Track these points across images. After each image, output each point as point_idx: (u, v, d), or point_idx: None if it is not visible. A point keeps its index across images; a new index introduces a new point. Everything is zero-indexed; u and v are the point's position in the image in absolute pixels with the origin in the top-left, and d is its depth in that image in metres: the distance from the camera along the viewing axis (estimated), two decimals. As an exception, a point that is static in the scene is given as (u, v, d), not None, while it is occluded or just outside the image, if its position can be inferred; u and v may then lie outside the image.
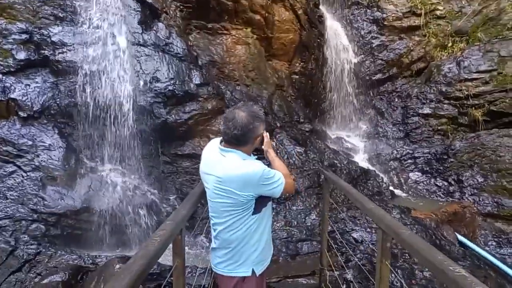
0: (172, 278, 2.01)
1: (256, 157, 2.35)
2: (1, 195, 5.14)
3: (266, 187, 2.08)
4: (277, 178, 2.14)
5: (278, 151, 6.61)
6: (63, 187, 5.41)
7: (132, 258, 1.33)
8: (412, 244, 1.55)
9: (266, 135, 2.47)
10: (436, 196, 6.98)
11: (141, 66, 6.12)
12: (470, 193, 6.65)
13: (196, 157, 6.38)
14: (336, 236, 5.61)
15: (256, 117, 2.14)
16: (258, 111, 2.19)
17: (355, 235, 5.57)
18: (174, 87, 6.13)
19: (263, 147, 2.46)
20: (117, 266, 3.16)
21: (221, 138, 2.19)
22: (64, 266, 4.22)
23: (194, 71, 6.41)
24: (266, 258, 2.30)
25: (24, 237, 4.86)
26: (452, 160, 7.23)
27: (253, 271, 2.17)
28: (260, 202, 2.12)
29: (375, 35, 9.29)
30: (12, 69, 5.74)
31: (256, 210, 2.10)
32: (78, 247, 5.18)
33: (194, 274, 4.80)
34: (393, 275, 4.53)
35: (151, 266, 1.38)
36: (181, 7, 6.93)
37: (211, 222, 2.20)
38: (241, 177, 2.00)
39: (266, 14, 7.60)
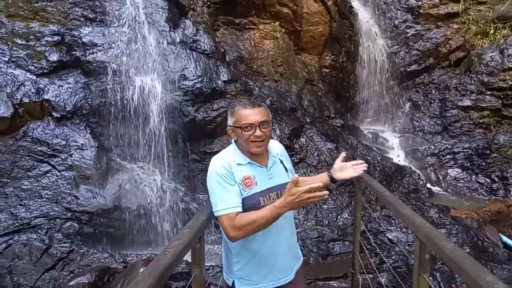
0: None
1: (248, 161, 1.97)
2: (37, 194, 5.28)
3: (210, 194, 1.87)
4: (218, 201, 1.83)
5: (308, 148, 6.43)
6: (95, 186, 5.49)
7: (142, 273, 1.24)
8: (456, 259, 1.37)
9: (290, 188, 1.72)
10: (478, 194, 6.58)
11: (169, 64, 6.11)
12: (515, 191, 6.22)
13: (225, 155, 6.31)
14: (370, 236, 5.39)
15: (228, 107, 2.02)
16: (235, 103, 1.98)
17: (389, 235, 5.34)
18: (202, 85, 6.08)
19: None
20: (141, 269, 3.13)
21: None
22: (94, 266, 4.27)
23: (222, 67, 6.33)
24: (256, 281, 1.98)
25: (58, 235, 4.97)
26: (495, 155, 6.78)
27: (233, 284, 1.98)
28: None
29: (410, 24, 8.87)
30: (45, 71, 5.88)
31: None
32: (110, 245, 5.25)
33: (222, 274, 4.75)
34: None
35: (162, 280, 1.29)
36: (208, 3, 6.88)
37: None
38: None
39: (295, 7, 7.40)
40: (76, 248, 4.91)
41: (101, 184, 5.53)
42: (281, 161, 2.09)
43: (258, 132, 1.87)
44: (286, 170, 2.09)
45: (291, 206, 1.68)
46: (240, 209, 1.82)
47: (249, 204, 1.86)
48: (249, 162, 1.94)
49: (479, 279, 1.20)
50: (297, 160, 6.29)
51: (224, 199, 1.81)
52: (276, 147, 2.16)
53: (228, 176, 1.85)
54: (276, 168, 2.04)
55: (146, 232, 5.58)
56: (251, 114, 1.88)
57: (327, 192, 1.64)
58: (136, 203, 5.57)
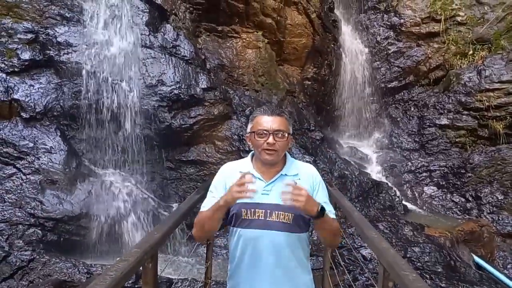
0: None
1: (249, 171, 1.90)
2: (-1, 198, 5.03)
3: None
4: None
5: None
6: (62, 191, 5.26)
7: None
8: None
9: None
10: (452, 213, 6.61)
11: (147, 68, 5.97)
12: (488, 211, 6.27)
13: (201, 164, 6.19)
14: (344, 252, 5.31)
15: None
16: (256, 109, 1.98)
17: (364, 252, 5.28)
18: (179, 91, 5.96)
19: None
20: (97, 285, 2.95)
21: None
22: (54, 277, 4.05)
23: (201, 74, 6.23)
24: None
25: (19, 243, 4.71)
26: (470, 175, 6.85)
27: None
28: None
29: (392, 41, 8.97)
30: (16, 69, 5.65)
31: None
32: (74, 254, 5.01)
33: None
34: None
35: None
36: (190, 9, 6.79)
37: None
38: None
39: (278, 18, 7.38)
40: (38, 256, 4.65)
41: (68, 190, 5.30)
42: (295, 183, 1.82)
43: (270, 139, 1.81)
44: None
45: (223, 202, 1.70)
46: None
47: (232, 212, 1.85)
48: (249, 172, 1.86)
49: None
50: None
51: (206, 201, 1.91)
52: (304, 169, 1.97)
53: (219, 184, 1.92)
54: (278, 186, 1.85)
55: (114, 241, 5.36)
56: (268, 121, 1.85)
57: (249, 177, 1.67)
58: (105, 211, 5.37)
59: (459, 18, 8.63)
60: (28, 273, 4.48)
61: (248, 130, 1.93)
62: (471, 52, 8.27)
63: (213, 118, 6.20)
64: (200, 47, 6.86)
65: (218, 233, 5.72)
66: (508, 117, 7.10)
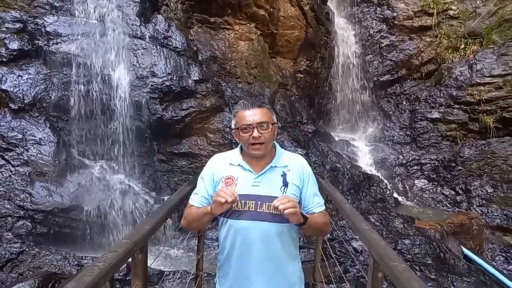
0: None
1: (239, 163, 1.92)
2: (-13, 190, 4.96)
3: None
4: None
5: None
6: (52, 183, 5.21)
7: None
8: (405, 283, 1.29)
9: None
10: (442, 206, 6.68)
11: (138, 59, 5.90)
12: (478, 204, 6.34)
13: (193, 156, 6.16)
14: (335, 244, 5.34)
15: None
16: (238, 104, 1.94)
17: (355, 244, 5.32)
18: (171, 83, 5.90)
19: None
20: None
21: None
22: (44, 270, 4.01)
23: (193, 66, 6.17)
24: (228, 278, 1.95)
25: (8, 235, 4.68)
26: (460, 168, 6.91)
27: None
28: None
29: (385, 34, 8.97)
30: (4, 59, 5.55)
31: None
32: (65, 246, 4.98)
33: (185, 281, 4.59)
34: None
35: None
36: (182, -1, 6.70)
37: None
38: None
39: (271, 9, 7.33)
40: (27, 249, 4.63)
41: (58, 182, 5.25)
42: (284, 175, 1.88)
43: (255, 133, 1.80)
44: (285, 186, 1.87)
45: (212, 211, 1.74)
46: (196, 205, 1.89)
47: None
48: (239, 164, 1.89)
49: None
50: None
51: (194, 192, 1.94)
52: (293, 160, 1.95)
53: (206, 176, 1.93)
54: (268, 178, 1.87)
55: (105, 233, 5.33)
56: (249, 115, 1.83)
57: (231, 195, 1.63)
58: (95, 203, 5.32)
59: (451, 12, 8.65)
60: (17, 266, 4.45)
61: (233, 126, 1.91)
62: (462, 46, 8.30)
63: (205, 111, 6.15)
64: (192, 38, 6.79)
65: (210, 226, 5.71)
66: (498, 111, 7.15)
